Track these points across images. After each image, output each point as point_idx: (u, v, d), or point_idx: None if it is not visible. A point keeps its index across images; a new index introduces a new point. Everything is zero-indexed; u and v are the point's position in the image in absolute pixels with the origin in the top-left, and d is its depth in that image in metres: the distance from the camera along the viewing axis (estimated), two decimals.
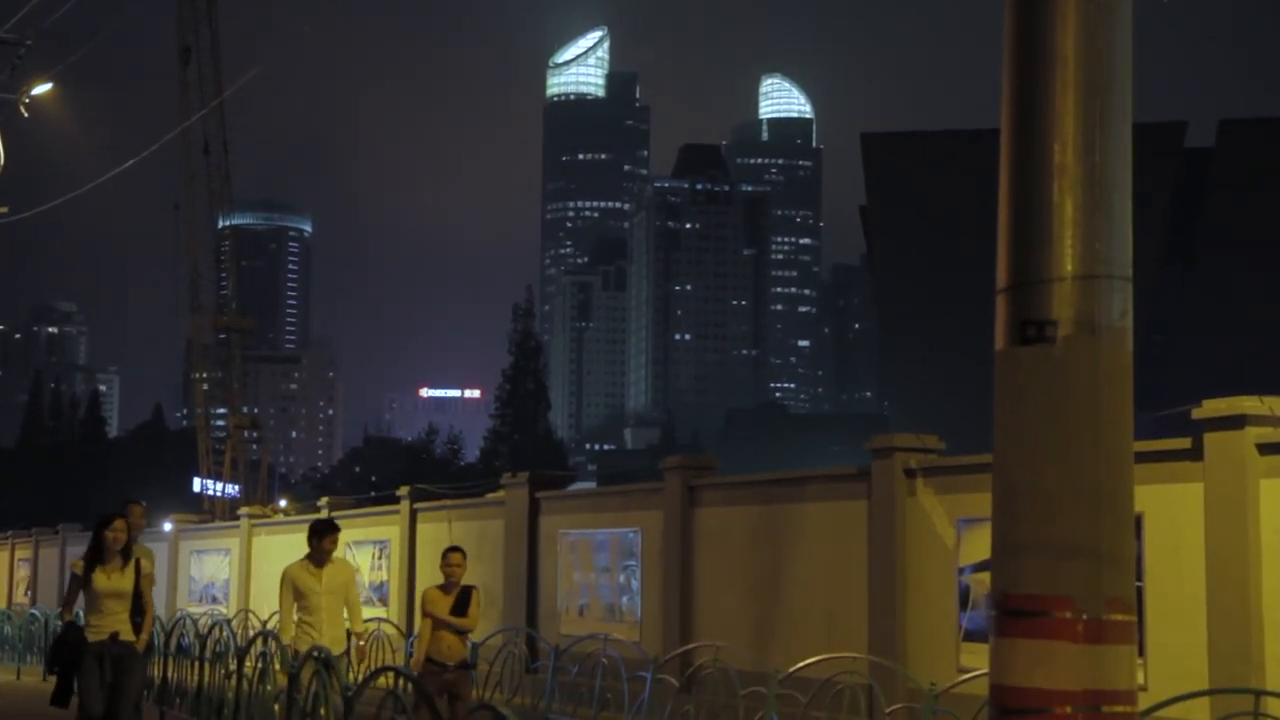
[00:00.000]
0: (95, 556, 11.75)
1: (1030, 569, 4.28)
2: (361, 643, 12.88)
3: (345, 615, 12.51)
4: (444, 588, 12.07)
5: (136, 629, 11.81)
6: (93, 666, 11.55)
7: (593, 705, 16.26)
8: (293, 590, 12.37)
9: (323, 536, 12.53)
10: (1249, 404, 11.12)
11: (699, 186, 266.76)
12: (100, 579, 11.66)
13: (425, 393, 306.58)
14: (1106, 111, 4.40)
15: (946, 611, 13.77)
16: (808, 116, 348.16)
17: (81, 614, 11.86)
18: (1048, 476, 4.30)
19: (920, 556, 14.20)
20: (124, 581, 11.73)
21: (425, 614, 11.97)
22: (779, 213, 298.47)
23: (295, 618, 12.36)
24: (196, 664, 16.81)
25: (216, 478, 62.78)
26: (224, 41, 57.73)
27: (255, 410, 78.85)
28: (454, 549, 12.29)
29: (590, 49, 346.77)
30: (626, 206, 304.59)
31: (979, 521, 13.19)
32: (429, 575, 23.77)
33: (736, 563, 17.00)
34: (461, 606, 11.92)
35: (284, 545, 28.51)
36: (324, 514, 26.62)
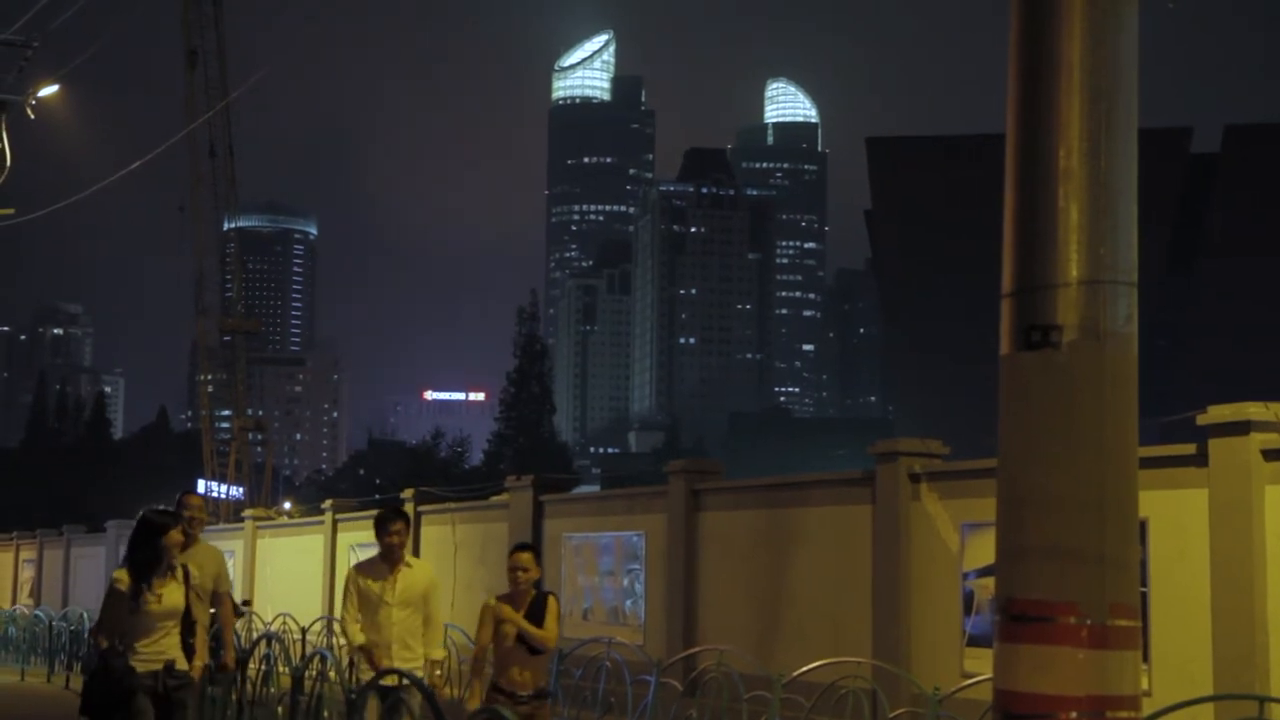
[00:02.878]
0: (146, 570, 9.38)
1: (1035, 574, 4.28)
2: (439, 672, 10.27)
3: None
4: (509, 597, 9.31)
5: (189, 653, 9.54)
6: (145, 708, 9.23)
7: (596, 709, 16.24)
8: (356, 595, 9.99)
9: (384, 527, 10.01)
10: (1254, 410, 11.11)
11: (704, 190, 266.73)
12: (151, 598, 9.33)
13: (430, 395, 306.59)
14: (1111, 117, 4.40)
15: (950, 616, 13.76)
16: (813, 121, 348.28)
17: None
18: (1052, 481, 4.30)
19: (924, 561, 14.19)
20: (178, 596, 9.47)
21: (489, 626, 9.25)
22: (784, 217, 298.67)
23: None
24: None
25: (221, 480, 62.85)
26: (230, 45, 57.84)
27: (260, 412, 78.81)
28: (523, 547, 9.60)
29: (596, 53, 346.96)
30: (631, 210, 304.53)
31: (983, 526, 13.18)
32: None
33: (740, 567, 17.00)
34: (535, 618, 9.20)
35: (288, 547, 28.52)
36: (328, 517, 26.60)
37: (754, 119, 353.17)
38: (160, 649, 9.34)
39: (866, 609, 14.78)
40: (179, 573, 9.51)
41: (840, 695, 12.73)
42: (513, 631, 9.11)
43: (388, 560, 9.95)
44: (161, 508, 9.85)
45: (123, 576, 9.39)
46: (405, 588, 9.91)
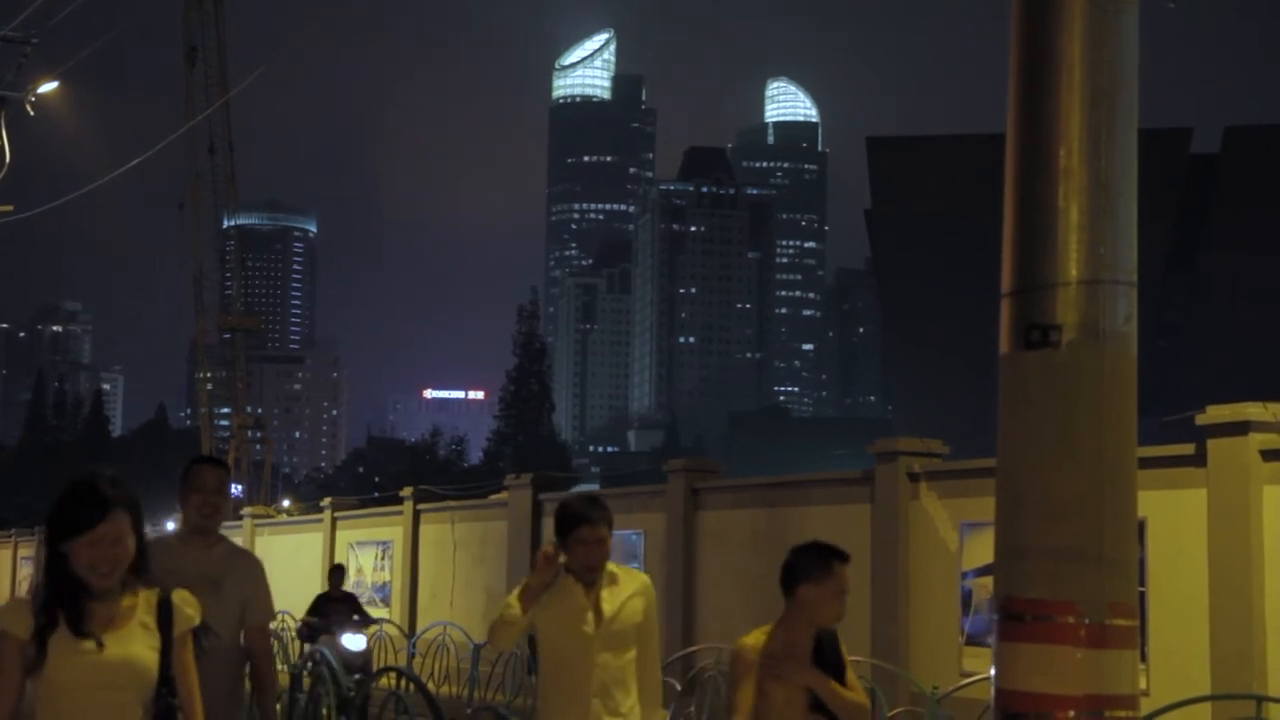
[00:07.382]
0: (65, 597, 4.36)
1: (1033, 573, 4.28)
2: None
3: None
4: (782, 645, 5.62)
5: None
6: None
7: None
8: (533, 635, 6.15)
9: (576, 525, 6.04)
10: (1253, 410, 11.12)
11: (704, 189, 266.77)
12: (61, 652, 4.32)
13: (429, 394, 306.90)
14: (1112, 116, 4.40)
15: (949, 615, 13.76)
16: (813, 120, 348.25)
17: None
18: (1051, 481, 4.30)
19: (923, 560, 14.20)
20: (136, 648, 4.41)
21: (749, 684, 5.57)
22: (784, 216, 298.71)
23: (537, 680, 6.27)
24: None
25: None
26: (230, 42, 57.82)
27: (259, 410, 78.81)
28: (834, 553, 5.68)
29: (596, 51, 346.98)
30: (631, 209, 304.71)
31: (982, 526, 13.18)
32: (432, 576, 23.74)
33: (739, 565, 17.00)
34: (830, 671, 5.64)
35: (287, 545, 28.48)
36: (327, 515, 26.49)
37: (754, 118, 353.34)
38: None
39: (865, 608, 14.78)
40: (148, 602, 4.48)
41: None
42: (801, 698, 5.59)
43: (586, 580, 6.10)
44: (108, 474, 4.49)
45: (21, 617, 4.37)
46: (618, 613, 6.07)
